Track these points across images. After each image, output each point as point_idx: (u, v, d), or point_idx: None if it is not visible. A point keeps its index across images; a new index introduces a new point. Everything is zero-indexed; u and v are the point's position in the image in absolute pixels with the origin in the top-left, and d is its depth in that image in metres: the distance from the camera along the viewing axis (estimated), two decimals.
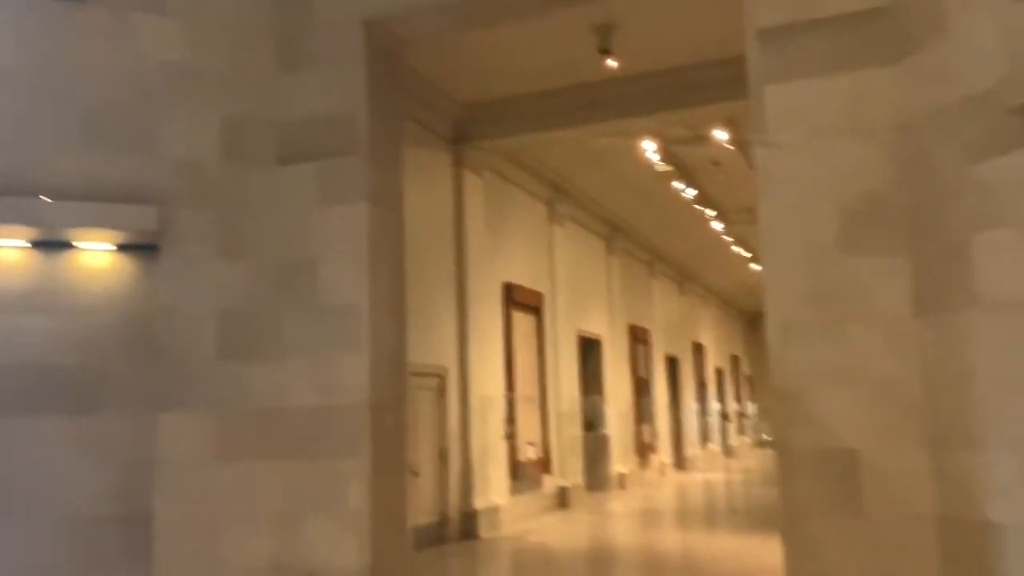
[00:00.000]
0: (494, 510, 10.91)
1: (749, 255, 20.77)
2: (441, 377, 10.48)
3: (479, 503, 10.62)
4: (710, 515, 14.20)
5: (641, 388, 18.88)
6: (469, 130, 11.22)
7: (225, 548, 6.98)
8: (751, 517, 12.43)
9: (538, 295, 13.59)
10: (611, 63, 9.30)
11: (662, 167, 13.50)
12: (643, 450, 18.46)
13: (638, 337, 18.91)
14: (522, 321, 12.94)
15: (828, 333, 5.88)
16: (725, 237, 19.29)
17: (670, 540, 11.11)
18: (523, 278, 13.06)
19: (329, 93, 7.58)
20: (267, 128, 7.61)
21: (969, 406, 5.31)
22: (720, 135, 12.08)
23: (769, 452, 6.25)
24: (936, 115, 5.57)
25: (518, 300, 12.75)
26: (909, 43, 5.81)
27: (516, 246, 13.06)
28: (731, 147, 12.52)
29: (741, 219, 16.83)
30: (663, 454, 20.19)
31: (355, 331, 7.20)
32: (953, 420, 5.42)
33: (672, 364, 22.14)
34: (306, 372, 7.28)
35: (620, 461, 16.78)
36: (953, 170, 5.43)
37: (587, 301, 16.00)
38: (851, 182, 5.95)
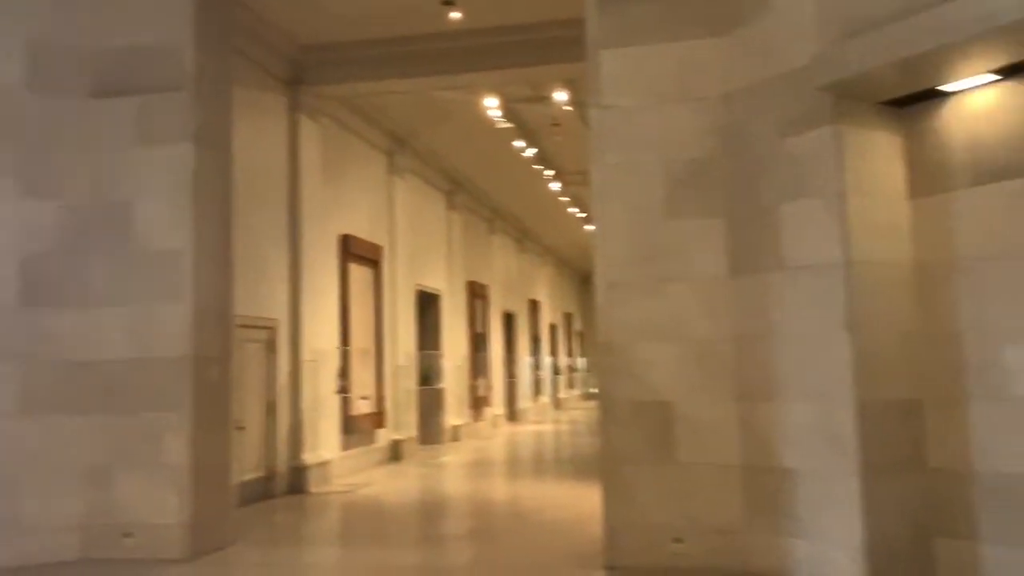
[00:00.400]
0: (324, 464, 10.79)
1: (584, 216, 21.37)
2: (271, 329, 10.18)
3: (309, 458, 10.47)
4: (538, 465, 14.71)
5: (478, 343, 19.15)
6: (307, 74, 10.80)
7: (28, 508, 6.55)
8: (576, 466, 12.97)
9: (376, 248, 13.41)
10: (454, 15, 9.19)
11: (503, 124, 13.57)
12: (477, 403, 18.80)
13: (477, 293, 19.11)
14: (359, 274, 12.73)
15: (650, 292, 6.17)
16: (562, 198, 19.72)
17: (499, 489, 11.43)
18: (361, 230, 12.83)
19: (151, 21, 7.05)
20: (80, 57, 7.02)
21: (771, 362, 5.74)
22: (560, 96, 12.26)
23: (595, 404, 6.56)
24: (755, 88, 5.90)
25: (355, 252, 12.52)
26: (737, 16, 6.10)
27: (354, 197, 12.79)
28: (570, 108, 12.73)
29: (577, 180, 17.23)
30: (497, 407, 20.64)
31: (176, 279, 6.84)
32: (757, 375, 5.85)
33: (509, 320, 22.59)
34: (121, 322, 6.86)
35: (455, 414, 17.01)
36: (767, 142, 5.78)
37: (427, 256, 15.96)
38: (677, 148, 6.22)
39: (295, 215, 10.70)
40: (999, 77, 5.07)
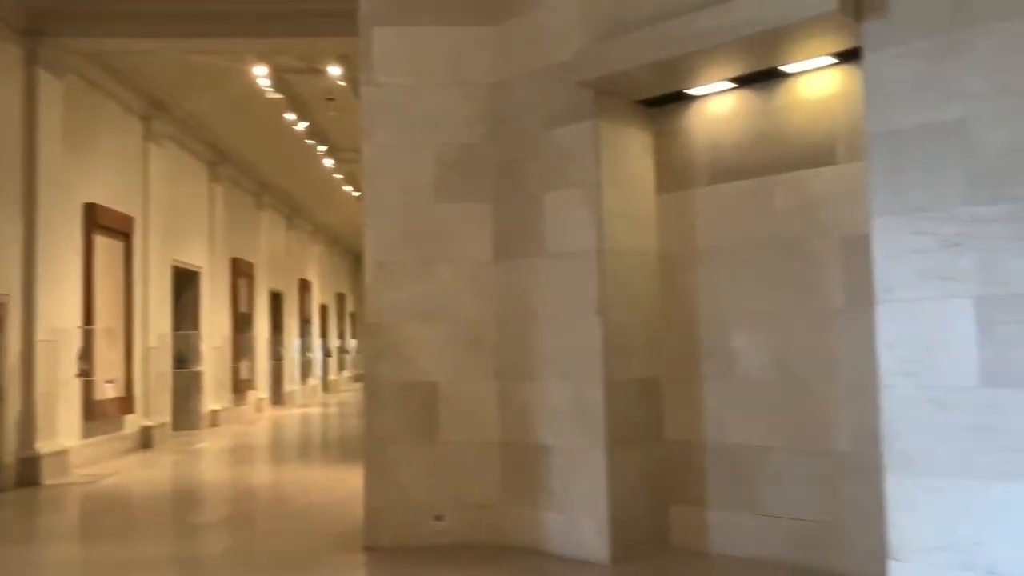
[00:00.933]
0: (61, 454, 9.86)
1: (359, 194, 21.04)
2: (0, 305, 9.13)
3: (43, 446, 9.51)
4: (304, 448, 14.37)
5: (242, 323, 18.30)
6: (48, 23, 9.70)
7: None
8: (343, 448, 12.81)
9: (127, 219, 12.39)
10: None
11: (273, 95, 13.00)
12: (240, 387, 17.99)
13: (241, 271, 18.24)
14: (107, 247, 11.70)
15: (418, 274, 6.20)
16: (336, 175, 19.28)
17: (260, 475, 11.04)
18: (110, 199, 11.79)
19: None
20: None
21: (531, 343, 5.98)
22: (334, 70, 11.95)
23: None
24: (524, 78, 6.07)
25: (102, 223, 11.48)
26: (510, 7, 6.24)
27: (103, 163, 11.73)
28: (344, 83, 12.46)
29: (351, 158, 16.89)
30: (261, 390, 19.89)
31: None
32: (519, 356, 6.06)
33: (276, 299, 21.80)
34: None
35: (214, 398, 16.17)
36: (534, 131, 5.99)
37: (186, 230, 15.00)
38: (448, 132, 6.27)
39: (31, 180, 9.62)
40: (735, 85, 5.59)
